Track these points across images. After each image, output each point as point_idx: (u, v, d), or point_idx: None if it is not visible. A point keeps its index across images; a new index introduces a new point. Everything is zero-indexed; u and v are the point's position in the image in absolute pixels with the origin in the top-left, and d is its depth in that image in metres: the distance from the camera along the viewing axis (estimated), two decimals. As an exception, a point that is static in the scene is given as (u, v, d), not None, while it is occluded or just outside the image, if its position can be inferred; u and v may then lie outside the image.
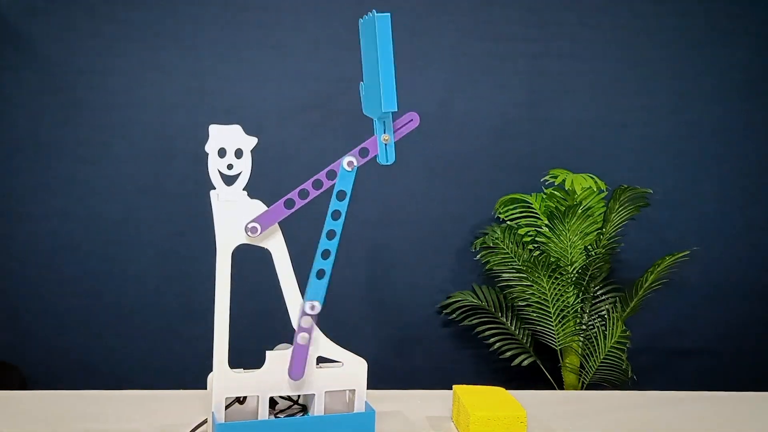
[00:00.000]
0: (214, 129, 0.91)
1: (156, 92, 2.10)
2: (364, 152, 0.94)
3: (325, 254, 0.93)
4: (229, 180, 0.93)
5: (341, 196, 0.94)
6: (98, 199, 2.10)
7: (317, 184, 0.93)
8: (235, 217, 0.92)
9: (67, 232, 2.10)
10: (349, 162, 0.93)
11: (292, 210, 0.95)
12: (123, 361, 2.14)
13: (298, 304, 0.96)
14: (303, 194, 0.93)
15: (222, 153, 0.92)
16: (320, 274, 0.94)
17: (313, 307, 0.94)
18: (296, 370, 0.93)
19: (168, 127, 2.11)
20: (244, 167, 0.92)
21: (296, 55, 2.15)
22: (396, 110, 0.88)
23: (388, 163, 0.91)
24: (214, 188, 0.93)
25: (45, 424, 1.08)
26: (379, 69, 0.84)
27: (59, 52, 2.06)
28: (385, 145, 0.92)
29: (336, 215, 0.94)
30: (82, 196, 2.10)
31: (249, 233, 0.91)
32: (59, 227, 2.10)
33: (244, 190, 0.94)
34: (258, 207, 0.93)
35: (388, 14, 0.82)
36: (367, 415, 0.97)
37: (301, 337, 0.94)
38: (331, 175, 0.95)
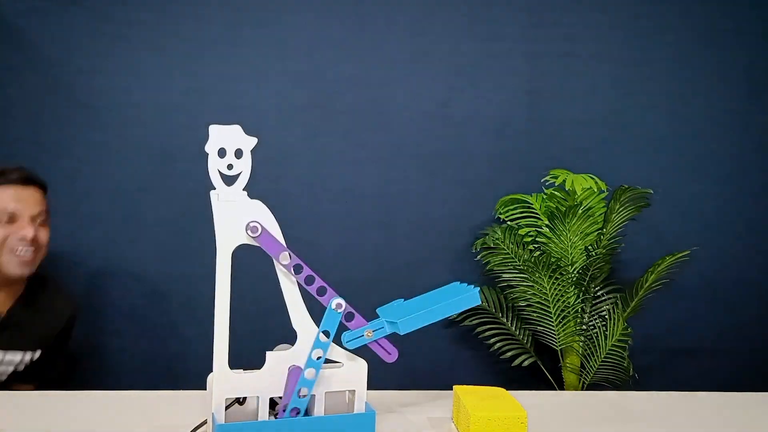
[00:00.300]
0: (214, 129, 0.91)
1: (156, 92, 2.10)
2: (350, 316, 0.96)
3: (294, 412, 0.93)
4: (229, 180, 0.92)
5: (326, 335, 0.95)
6: (98, 199, 2.10)
7: (309, 280, 0.94)
8: (235, 217, 0.92)
9: (67, 231, 2.10)
10: (337, 304, 0.94)
11: (285, 262, 0.94)
12: (123, 361, 2.14)
13: (298, 305, 0.96)
14: (297, 268, 0.93)
15: (222, 153, 0.91)
16: (294, 413, 0.94)
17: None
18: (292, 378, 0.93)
19: (168, 127, 2.11)
20: (244, 167, 0.92)
21: (296, 55, 2.15)
22: (401, 333, 0.95)
23: (346, 345, 0.95)
24: (214, 188, 0.93)
25: (45, 424, 1.08)
26: (430, 310, 0.94)
27: (59, 52, 2.06)
28: (362, 336, 0.96)
29: (317, 354, 0.94)
30: (81, 196, 2.09)
31: (249, 233, 0.91)
32: (59, 227, 2.09)
33: (244, 190, 0.94)
34: (258, 207, 0.93)
35: (479, 302, 0.95)
36: (367, 416, 0.97)
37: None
38: (322, 291, 0.94)
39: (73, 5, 2.05)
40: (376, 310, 0.97)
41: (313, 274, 0.94)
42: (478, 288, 0.95)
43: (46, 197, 1.67)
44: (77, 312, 1.75)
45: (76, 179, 2.09)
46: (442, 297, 0.96)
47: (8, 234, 1.54)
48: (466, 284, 0.96)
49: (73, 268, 2.11)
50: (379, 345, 0.97)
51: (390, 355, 0.98)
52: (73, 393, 1.23)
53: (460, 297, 0.93)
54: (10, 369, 1.58)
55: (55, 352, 1.69)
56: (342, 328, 0.96)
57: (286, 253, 0.93)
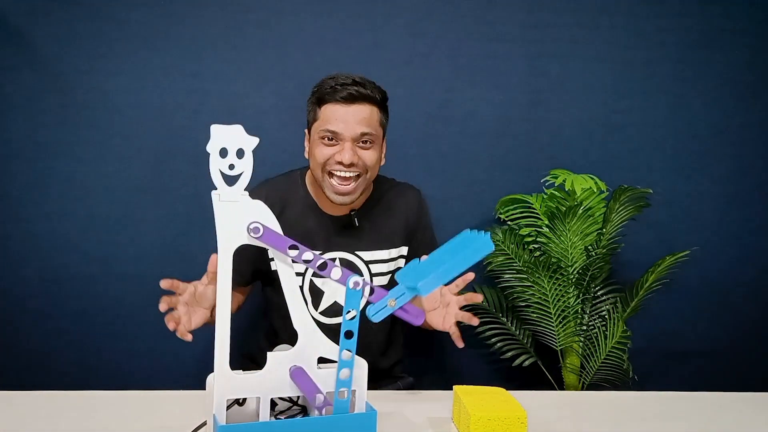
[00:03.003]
0: (215, 129, 0.91)
1: (156, 92, 2.10)
2: (370, 291, 0.94)
3: (343, 374, 0.94)
4: (230, 180, 0.92)
5: (351, 316, 0.94)
6: (98, 199, 2.10)
7: (323, 266, 0.93)
8: (236, 217, 0.92)
9: (67, 232, 2.10)
10: (355, 282, 0.92)
11: (290, 255, 0.94)
12: (123, 361, 2.14)
13: (299, 304, 0.96)
14: (306, 258, 0.93)
15: (223, 153, 0.91)
16: (341, 395, 0.94)
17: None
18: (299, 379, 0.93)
19: (168, 127, 2.10)
20: (245, 167, 0.92)
21: (296, 55, 2.15)
22: (424, 296, 0.91)
23: (371, 319, 0.92)
24: (216, 188, 0.93)
25: (44, 425, 1.08)
26: (447, 267, 0.87)
27: (59, 52, 2.06)
28: (386, 307, 0.92)
29: (349, 335, 0.94)
30: (81, 196, 2.09)
31: (251, 234, 0.91)
32: (58, 227, 2.10)
33: (245, 190, 0.94)
34: (259, 208, 0.93)
35: (493, 247, 0.87)
36: (368, 416, 0.97)
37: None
38: (336, 272, 0.93)
39: (73, 5, 2.05)
40: (395, 277, 0.95)
41: (325, 260, 0.93)
42: (489, 233, 0.89)
43: (383, 112, 1.52)
44: (422, 198, 1.70)
45: (75, 179, 2.09)
46: (455, 250, 0.91)
47: (330, 156, 1.45)
48: (476, 231, 0.91)
49: (72, 269, 2.11)
50: (404, 311, 0.94)
51: (417, 318, 0.95)
52: (73, 393, 1.23)
53: (473, 247, 0.87)
54: (392, 267, 1.59)
55: (427, 244, 1.67)
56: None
57: (294, 243, 0.93)
